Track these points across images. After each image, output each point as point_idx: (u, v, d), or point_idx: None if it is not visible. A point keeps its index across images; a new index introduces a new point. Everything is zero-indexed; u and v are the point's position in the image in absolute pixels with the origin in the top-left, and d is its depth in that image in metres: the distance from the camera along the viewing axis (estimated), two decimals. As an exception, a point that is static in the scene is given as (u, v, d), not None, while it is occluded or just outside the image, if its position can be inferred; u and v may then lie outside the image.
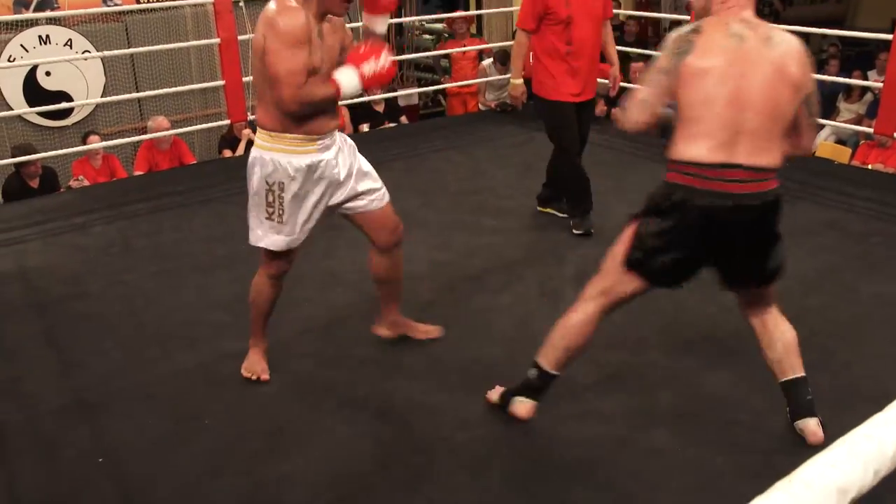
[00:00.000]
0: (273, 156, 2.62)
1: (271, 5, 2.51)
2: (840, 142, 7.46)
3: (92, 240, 4.36)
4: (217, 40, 5.36)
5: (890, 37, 4.88)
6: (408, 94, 8.21)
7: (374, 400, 2.84)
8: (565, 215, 4.39)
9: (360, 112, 7.35)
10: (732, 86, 2.22)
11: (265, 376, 2.96)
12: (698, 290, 2.83)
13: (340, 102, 2.77)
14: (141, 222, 4.60)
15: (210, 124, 6.16)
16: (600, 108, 6.36)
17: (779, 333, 2.56)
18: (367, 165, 2.85)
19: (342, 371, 3.02)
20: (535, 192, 4.60)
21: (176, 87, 6.47)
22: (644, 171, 4.92)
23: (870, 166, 6.14)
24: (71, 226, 4.57)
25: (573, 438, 2.61)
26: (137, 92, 6.97)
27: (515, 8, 7.52)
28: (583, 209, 4.24)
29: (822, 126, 7.31)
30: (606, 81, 4.41)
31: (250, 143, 6.22)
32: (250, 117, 5.58)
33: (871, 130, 5.49)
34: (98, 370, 3.07)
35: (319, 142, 2.64)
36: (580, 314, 2.48)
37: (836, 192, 4.85)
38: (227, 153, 6.33)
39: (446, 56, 8.33)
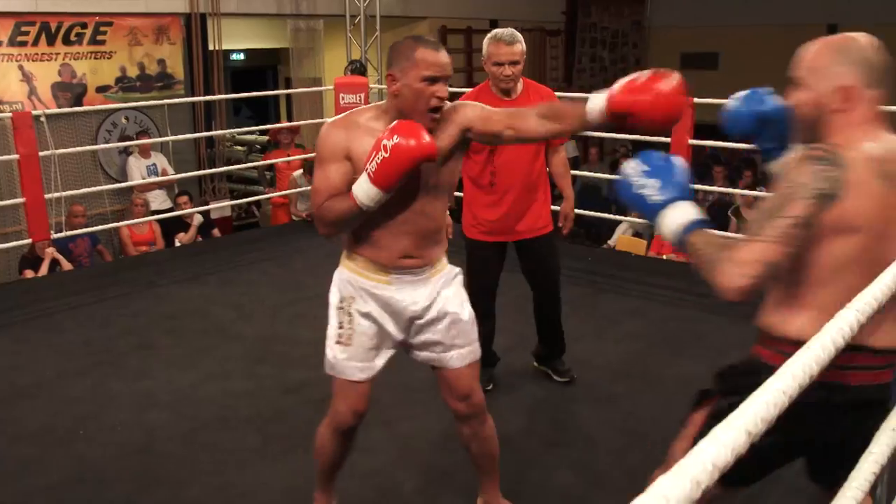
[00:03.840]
0: (344, 273, 2.40)
1: None
2: (637, 234, 8.07)
3: None
4: (16, 156, 5.12)
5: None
6: (221, 206, 8.13)
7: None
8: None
9: (171, 226, 7.22)
10: (874, 248, 1.63)
11: None
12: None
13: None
14: (-72, 353, 4.22)
15: (9, 244, 5.80)
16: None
17: None
18: (463, 314, 2.39)
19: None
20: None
21: (-30, 205, 6.08)
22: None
23: (664, 256, 6.66)
24: None
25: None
26: (-75, 212, 6.49)
27: (328, 119, 7.69)
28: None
29: (619, 221, 7.89)
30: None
31: (54, 262, 5.92)
32: (53, 236, 5.32)
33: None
34: None
35: (393, 275, 2.31)
36: None
37: (635, 282, 5.20)
38: (29, 273, 5.95)
39: (270, 167, 8.37)
